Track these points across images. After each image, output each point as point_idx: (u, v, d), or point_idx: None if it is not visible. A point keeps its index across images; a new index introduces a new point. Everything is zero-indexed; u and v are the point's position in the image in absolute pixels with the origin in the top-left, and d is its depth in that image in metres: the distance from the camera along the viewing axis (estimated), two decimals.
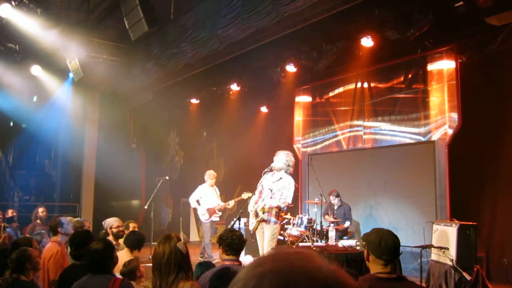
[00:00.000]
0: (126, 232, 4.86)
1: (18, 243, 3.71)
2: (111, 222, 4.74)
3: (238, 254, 3.03)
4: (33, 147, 11.21)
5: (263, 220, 5.45)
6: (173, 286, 2.43)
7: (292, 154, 5.67)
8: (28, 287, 3.17)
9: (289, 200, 5.43)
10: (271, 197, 5.47)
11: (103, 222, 4.88)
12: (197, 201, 8.13)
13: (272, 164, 5.58)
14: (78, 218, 5.72)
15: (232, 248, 3.01)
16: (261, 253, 5.60)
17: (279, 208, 5.39)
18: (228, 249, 3.01)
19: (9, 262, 3.19)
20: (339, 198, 7.68)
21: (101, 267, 2.86)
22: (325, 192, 7.04)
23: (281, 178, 5.50)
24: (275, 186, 5.48)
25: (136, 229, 5.11)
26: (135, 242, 4.12)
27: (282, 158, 5.53)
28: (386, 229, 2.40)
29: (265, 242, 5.42)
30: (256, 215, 5.51)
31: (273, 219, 5.43)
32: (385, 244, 2.26)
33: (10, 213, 7.79)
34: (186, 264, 2.54)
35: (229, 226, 6.87)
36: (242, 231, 8.18)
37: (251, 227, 5.65)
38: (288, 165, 5.52)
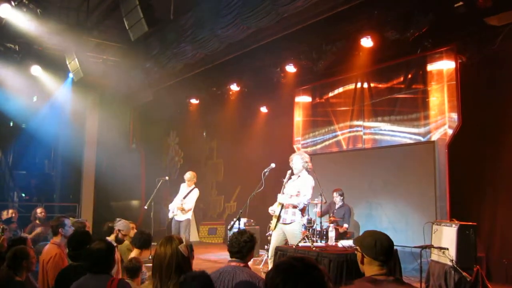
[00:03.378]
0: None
1: (14, 241, 3.71)
2: (123, 226, 4.72)
3: (241, 256, 3.00)
4: (33, 147, 11.19)
5: (279, 218, 5.47)
6: None
7: (303, 151, 5.76)
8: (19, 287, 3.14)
9: (308, 196, 5.43)
10: (282, 193, 5.53)
11: (117, 219, 4.87)
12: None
13: (294, 171, 5.63)
14: (77, 219, 5.71)
15: (232, 251, 3.01)
16: (270, 254, 5.61)
17: (294, 206, 5.40)
18: (231, 251, 3.02)
19: (6, 258, 3.17)
20: (342, 197, 7.69)
21: (101, 267, 2.85)
22: (324, 192, 7.03)
23: (299, 176, 5.59)
24: (292, 184, 5.57)
25: (135, 230, 5.12)
26: (144, 242, 4.22)
27: (298, 160, 5.60)
28: (378, 230, 2.40)
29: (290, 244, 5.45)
30: (275, 212, 5.57)
31: (289, 215, 5.44)
32: (381, 245, 2.25)
33: (5, 214, 7.62)
34: (187, 267, 2.49)
35: (228, 227, 6.88)
36: None
37: (271, 227, 5.69)
38: (306, 162, 5.61)
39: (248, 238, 3.01)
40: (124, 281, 2.93)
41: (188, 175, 7.95)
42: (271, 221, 5.68)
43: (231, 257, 3.02)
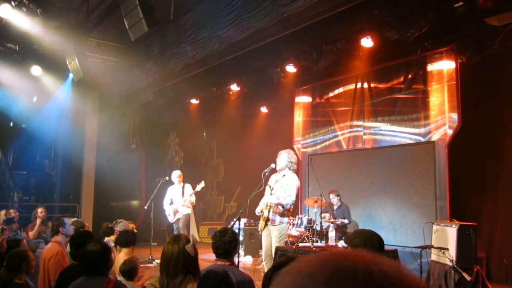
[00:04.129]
0: None
1: (10, 243, 3.73)
2: (123, 228, 4.72)
3: (227, 256, 3.02)
4: (33, 147, 11.19)
5: (268, 220, 5.46)
6: (181, 287, 2.45)
7: (292, 152, 5.77)
8: None
9: (293, 196, 5.43)
10: (270, 193, 5.50)
11: (118, 220, 4.88)
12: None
13: (277, 167, 5.62)
14: (76, 219, 5.72)
15: (218, 253, 3.01)
16: (264, 254, 5.60)
17: (282, 206, 5.39)
18: (216, 253, 3.03)
19: (5, 260, 3.17)
20: (339, 198, 7.69)
21: (98, 269, 2.84)
22: (324, 192, 7.04)
23: (284, 175, 5.58)
24: (279, 184, 5.55)
25: (135, 230, 5.11)
26: (128, 240, 4.20)
27: (284, 157, 5.63)
28: (368, 229, 2.41)
29: (273, 243, 5.43)
30: (263, 214, 5.55)
31: (278, 218, 5.42)
32: (371, 244, 2.26)
33: (3, 215, 7.53)
34: (193, 267, 2.56)
35: (228, 227, 6.87)
36: (242, 232, 8.23)
37: (259, 228, 5.70)
38: (291, 162, 5.62)
39: (230, 237, 3.04)
40: (120, 282, 2.93)
41: (178, 172, 8.32)
42: (259, 222, 5.68)
43: (217, 257, 3.06)
